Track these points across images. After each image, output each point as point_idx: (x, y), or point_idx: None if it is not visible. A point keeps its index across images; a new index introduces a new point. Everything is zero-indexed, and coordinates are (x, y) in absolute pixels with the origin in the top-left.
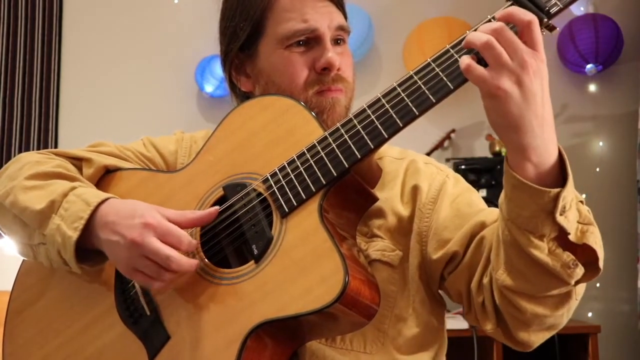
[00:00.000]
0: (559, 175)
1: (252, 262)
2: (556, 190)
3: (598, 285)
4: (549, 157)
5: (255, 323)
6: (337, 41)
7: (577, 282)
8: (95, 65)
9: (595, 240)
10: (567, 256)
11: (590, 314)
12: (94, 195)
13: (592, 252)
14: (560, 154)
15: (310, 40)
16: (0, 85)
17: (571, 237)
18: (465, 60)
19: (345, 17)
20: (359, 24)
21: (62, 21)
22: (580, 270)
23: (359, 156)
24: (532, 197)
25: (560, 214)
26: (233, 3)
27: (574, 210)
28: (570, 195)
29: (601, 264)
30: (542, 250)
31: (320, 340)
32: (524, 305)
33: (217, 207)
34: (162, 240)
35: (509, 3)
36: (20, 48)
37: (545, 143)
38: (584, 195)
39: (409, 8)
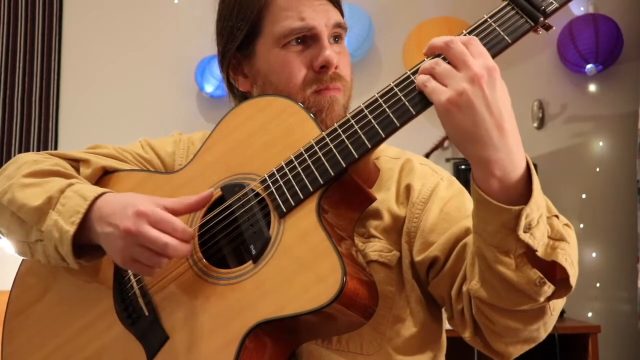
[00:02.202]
0: (527, 189)
1: (250, 262)
2: (517, 207)
3: (598, 285)
4: (514, 170)
5: (253, 323)
6: (334, 39)
7: (549, 299)
8: (95, 65)
9: (566, 257)
10: (534, 273)
11: (590, 314)
12: (91, 190)
13: (564, 268)
14: (528, 167)
15: (307, 39)
16: (0, 85)
17: (539, 254)
18: (422, 78)
19: (342, 15)
20: (359, 24)
21: (62, 21)
22: (548, 289)
23: (356, 156)
24: (494, 213)
25: (525, 231)
26: (230, 3)
27: (542, 226)
28: (536, 211)
29: (572, 281)
30: (508, 266)
31: (317, 341)
32: (496, 317)
33: (211, 190)
34: (157, 228)
35: (505, 3)
36: (20, 48)
37: (509, 155)
38: (585, 197)
39: (409, 8)
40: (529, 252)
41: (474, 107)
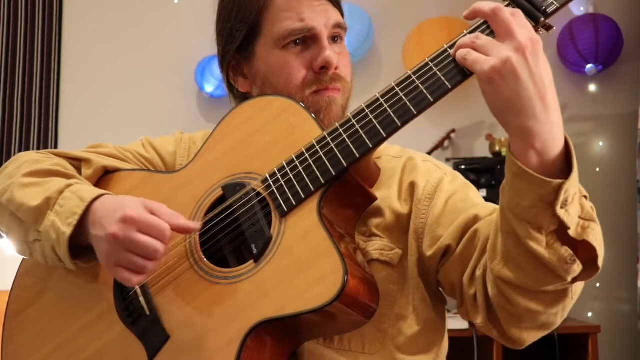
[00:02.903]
0: (563, 167)
1: (251, 261)
2: (558, 181)
3: (598, 285)
4: (554, 145)
5: (254, 322)
6: (334, 39)
7: (574, 280)
8: (95, 65)
9: (596, 237)
10: (565, 251)
11: (590, 314)
12: (89, 191)
13: (592, 249)
14: (567, 144)
15: (307, 40)
16: (0, 85)
17: (571, 232)
18: (462, 51)
19: (342, 15)
20: (359, 24)
21: (62, 21)
22: (577, 267)
23: (357, 155)
24: (533, 186)
25: (561, 207)
26: (229, 4)
27: (576, 204)
28: (573, 188)
29: (600, 262)
30: (539, 242)
31: (318, 341)
32: (517, 299)
33: (201, 223)
34: (145, 233)
35: (506, 3)
36: (20, 48)
37: (550, 129)
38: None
39: (409, 8)
40: (559, 231)
41: (518, 75)
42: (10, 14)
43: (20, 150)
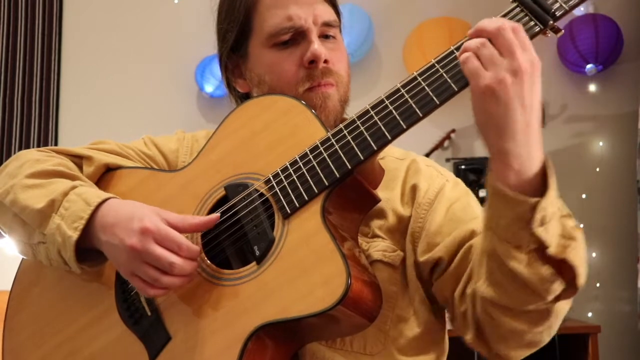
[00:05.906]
0: (542, 185)
1: (253, 263)
2: (534, 200)
3: (598, 285)
4: (532, 165)
5: (256, 325)
6: (326, 37)
7: (556, 299)
8: (95, 65)
9: (576, 256)
10: (546, 270)
11: (590, 314)
12: (95, 195)
13: (573, 268)
14: (544, 164)
15: (297, 36)
16: (0, 85)
17: (550, 251)
18: (465, 55)
19: (336, 8)
20: (359, 24)
21: (62, 21)
22: (558, 287)
23: (362, 158)
24: (509, 205)
25: (539, 225)
26: (222, 5)
27: (555, 223)
28: (551, 207)
29: (580, 281)
30: (520, 261)
31: (320, 342)
32: (502, 318)
33: (218, 214)
34: (161, 246)
35: (514, 5)
36: (20, 48)
37: (529, 151)
38: (585, 197)
39: (409, 8)
40: (540, 250)
41: (509, 99)
42: (10, 14)
43: (20, 150)
